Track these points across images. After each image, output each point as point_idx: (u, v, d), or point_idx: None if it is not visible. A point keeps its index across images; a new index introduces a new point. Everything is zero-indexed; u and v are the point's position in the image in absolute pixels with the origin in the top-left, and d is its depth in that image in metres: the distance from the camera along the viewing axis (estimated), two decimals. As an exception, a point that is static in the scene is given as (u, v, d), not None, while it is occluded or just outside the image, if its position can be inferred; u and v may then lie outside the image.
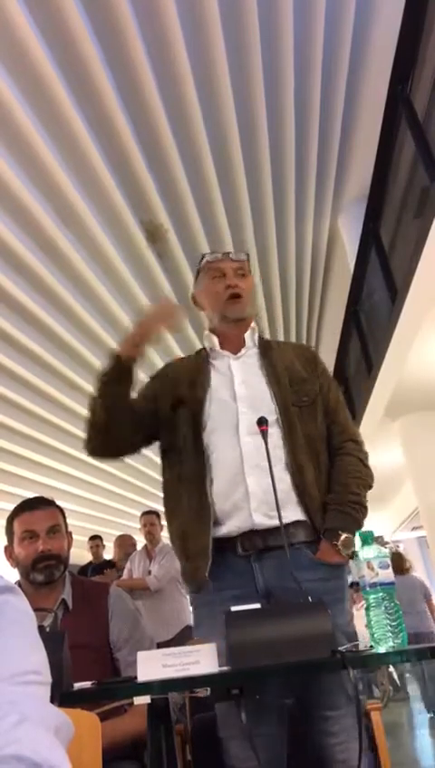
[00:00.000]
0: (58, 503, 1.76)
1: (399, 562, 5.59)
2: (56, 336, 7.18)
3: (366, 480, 1.49)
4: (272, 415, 1.44)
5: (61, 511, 1.73)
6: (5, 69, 4.41)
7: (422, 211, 4.06)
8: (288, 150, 6.38)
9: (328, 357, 9.77)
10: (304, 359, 1.61)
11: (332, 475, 1.47)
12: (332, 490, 1.45)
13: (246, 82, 5.37)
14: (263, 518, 1.37)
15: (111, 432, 1.52)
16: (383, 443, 6.98)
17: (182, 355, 1.85)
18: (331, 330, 9.92)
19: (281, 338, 10.37)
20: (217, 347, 1.61)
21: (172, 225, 6.59)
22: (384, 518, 11.31)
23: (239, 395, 1.50)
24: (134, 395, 1.57)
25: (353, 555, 1.35)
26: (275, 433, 1.43)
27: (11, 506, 1.75)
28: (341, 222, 8.01)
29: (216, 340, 1.61)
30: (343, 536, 1.36)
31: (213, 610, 1.33)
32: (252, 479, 1.40)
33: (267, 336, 1.79)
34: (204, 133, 5.65)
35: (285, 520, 1.32)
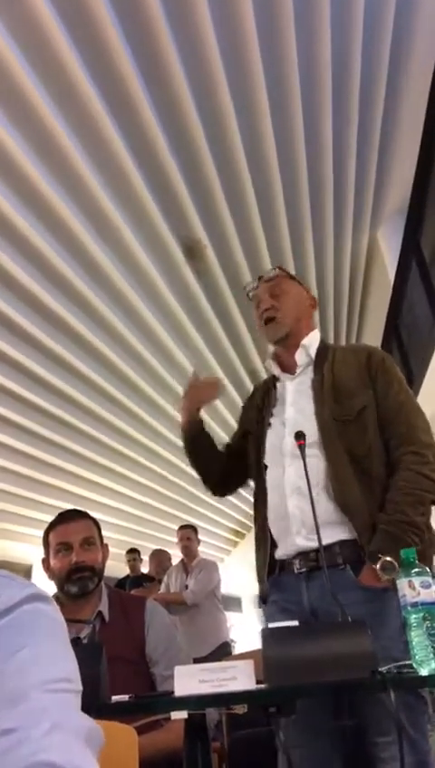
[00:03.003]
0: (95, 515, 1.78)
1: None
2: (94, 349, 7.29)
3: (424, 496, 1.37)
4: (314, 434, 1.42)
5: (95, 523, 1.75)
6: (51, 98, 4.55)
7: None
8: (326, 163, 6.37)
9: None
10: (358, 365, 1.52)
11: (388, 493, 1.39)
12: (384, 509, 1.37)
13: (284, 94, 5.40)
14: (304, 541, 1.39)
15: (212, 478, 1.77)
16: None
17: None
18: (370, 343, 9.78)
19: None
20: (277, 371, 1.62)
21: (210, 241, 6.64)
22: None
23: (288, 418, 1.51)
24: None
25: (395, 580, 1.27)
26: (316, 454, 1.41)
27: (50, 518, 1.77)
28: (380, 234, 7.94)
29: (274, 364, 1.64)
30: (383, 559, 1.27)
31: (273, 618, 1.40)
32: (292, 502, 1.41)
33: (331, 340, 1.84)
34: (241, 148, 5.70)
35: (327, 541, 1.30)
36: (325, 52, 5.14)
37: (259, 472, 1.56)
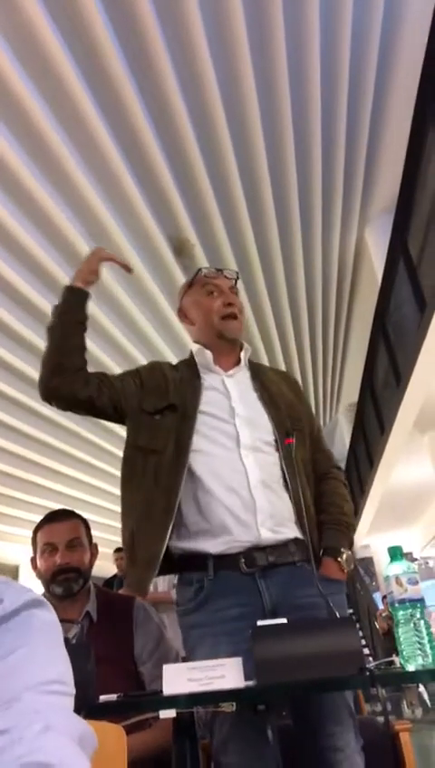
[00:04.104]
0: (84, 515, 1.77)
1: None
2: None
3: (351, 504, 1.57)
4: (270, 436, 1.47)
5: (84, 523, 1.74)
6: (40, 94, 4.53)
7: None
8: (315, 162, 6.40)
9: (355, 369, 9.70)
10: (289, 384, 1.66)
11: (324, 498, 1.53)
12: (326, 511, 1.50)
13: (273, 94, 5.42)
14: (269, 533, 1.37)
15: (65, 367, 1.45)
16: (412, 456, 6.88)
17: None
18: (358, 342, 9.86)
19: (308, 349, 10.34)
20: (211, 362, 1.57)
21: (199, 240, 6.64)
22: (413, 533, 11.11)
23: (237, 413, 1.49)
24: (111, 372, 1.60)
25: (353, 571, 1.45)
26: (273, 455, 1.45)
27: (38, 518, 1.76)
28: (368, 234, 7.98)
29: (210, 354, 1.57)
30: (346, 554, 1.42)
31: (215, 630, 1.30)
32: (259, 494, 1.39)
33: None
34: (230, 146, 5.71)
35: (285, 536, 1.37)
36: (314, 51, 5.16)
37: (179, 456, 1.41)
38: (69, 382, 1.45)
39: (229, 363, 1.59)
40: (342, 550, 1.43)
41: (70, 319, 1.51)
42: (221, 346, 1.59)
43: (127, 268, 1.66)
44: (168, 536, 1.35)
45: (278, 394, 1.57)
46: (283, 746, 1.26)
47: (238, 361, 1.60)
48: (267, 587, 1.35)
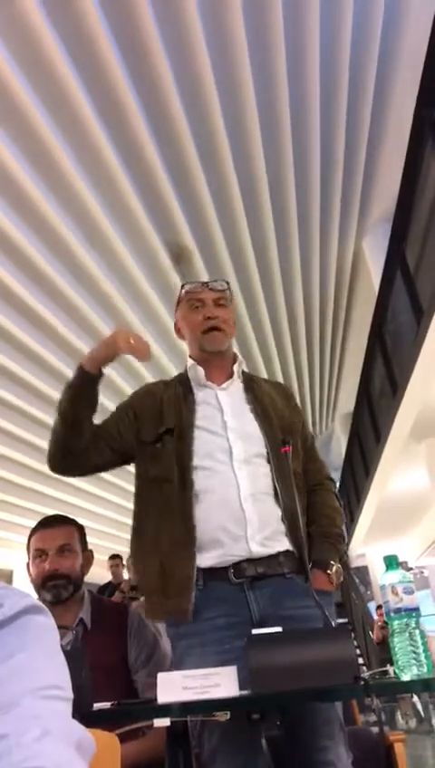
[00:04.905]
0: (80, 521, 1.76)
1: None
2: (75, 350, 7.25)
3: (342, 516, 1.59)
4: (262, 449, 1.47)
5: (79, 529, 1.72)
6: (38, 98, 4.55)
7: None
8: (313, 172, 6.43)
9: (352, 378, 9.71)
10: (283, 395, 1.65)
11: (315, 509, 1.53)
12: (316, 523, 1.50)
13: (272, 104, 5.45)
14: (258, 547, 1.37)
15: (73, 449, 1.50)
16: (408, 465, 6.88)
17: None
18: (355, 351, 9.87)
19: (305, 358, 10.35)
20: (203, 377, 1.57)
21: (197, 247, 6.66)
22: (408, 543, 11.09)
23: (230, 426, 1.49)
24: (100, 419, 1.56)
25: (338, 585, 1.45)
26: (263, 464, 1.46)
27: (33, 523, 1.76)
28: (366, 243, 8.01)
29: (201, 370, 1.57)
30: (335, 566, 1.43)
31: (204, 640, 1.30)
32: (249, 507, 1.39)
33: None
34: (229, 155, 5.74)
35: (275, 549, 1.37)
36: (314, 61, 5.20)
37: (183, 476, 1.43)
38: (76, 464, 1.53)
39: (222, 376, 1.59)
40: (331, 562, 1.43)
41: (81, 402, 1.50)
42: (211, 359, 1.59)
43: (145, 358, 1.56)
44: (195, 559, 1.36)
45: (271, 406, 1.57)
46: (273, 757, 1.25)
47: (232, 374, 1.59)
48: (255, 598, 1.35)
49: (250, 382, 1.62)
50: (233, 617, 1.32)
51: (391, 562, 1.16)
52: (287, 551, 1.40)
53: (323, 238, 7.59)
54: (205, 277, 6.94)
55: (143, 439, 1.51)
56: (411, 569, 9.53)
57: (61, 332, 6.82)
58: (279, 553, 1.38)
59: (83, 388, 1.49)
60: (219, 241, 6.77)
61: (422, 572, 10.02)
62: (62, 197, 5.42)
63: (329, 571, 1.42)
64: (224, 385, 1.58)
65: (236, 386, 1.59)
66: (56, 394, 7.83)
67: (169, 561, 1.38)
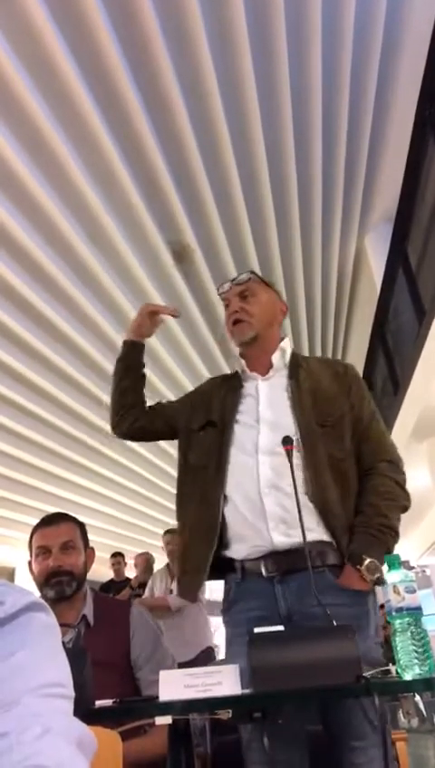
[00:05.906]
0: (81, 518, 1.76)
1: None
2: (78, 348, 7.25)
3: (399, 502, 1.43)
4: (293, 436, 1.41)
5: (80, 526, 1.73)
6: (39, 93, 4.54)
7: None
8: (315, 170, 6.41)
9: (354, 377, 9.68)
10: (334, 375, 1.57)
11: (362, 497, 1.42)
12: (361, 513, 1.39)
13: (274, 102, 5.43)
14: (281, 537, 1.35)
15: (122, 406, 1.67)
16: (410, 465, 6.84)
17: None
18: (357, 349, 9.85)
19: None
20: (247, 369, 1.61)
21: (199, 246, 6.65)
22: (410, 542, 11.08)
23: (263, 417, 1.49)
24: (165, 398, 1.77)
25: (381, 581, 1.27)
26: (296, 455, 1.39)
27: (34, 521, 1.76)
28: (368, 242, 7.99)
29: (244, 362, 1.62)
30: (368, 561, 1.31)
31: (241, 631, 1.31)
32: (269, 499, 1.38)
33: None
34: (231, 154, 5.72)
35: (306, 540, 1.27)
36: (316, 59, 5.19)
37: (219, 467, 1.46)
38: (124, 419, 1.67)
39: (264, 367, 1.59)
40: (363, 556, 1.31)
41: (122, 366, 1.72)
42: (247, 352, 1.62)
43: (174, 314, 1.77)
44: (214, 545, 1.42)
45: (310, 391, 1.51)
46: (312, 751, 1.26)
47: (272, 364, 1.59)
48: (283, 593, 1.35)
49: (296, 368, 1.58)
50: (264, 610, 1.34)
51: (393, 562, 1.15)
52: (322, 541, 1.36)
53: (325, 237, 7.58)
54: (206, 276, 6.94)
55: (191, 426, 1.60)
56: (413, 568, 9.52)
57: (62, 330, 6.82)
58: (310, 544, 1.28)
59: (126, 357, 1.72)
60: (221, 239, 6.76)
61: (424, 571, 10.02)
62: (63, 193, 5.41)
63: (359, 566, 1.31)
64: (268, 375, 1.58)
65: (280, 375, 1.58)
66: (58, 391, 7.84)
67: (193, 543, 1.47)
